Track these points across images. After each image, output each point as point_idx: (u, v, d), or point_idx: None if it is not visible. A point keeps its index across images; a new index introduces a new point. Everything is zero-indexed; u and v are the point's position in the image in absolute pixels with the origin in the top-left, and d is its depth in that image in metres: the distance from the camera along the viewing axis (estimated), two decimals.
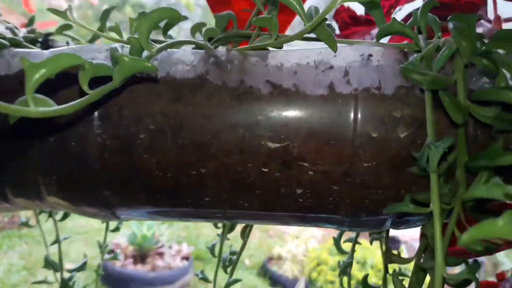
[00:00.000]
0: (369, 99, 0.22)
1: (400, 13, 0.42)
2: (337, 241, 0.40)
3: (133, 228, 2.42)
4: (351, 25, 0.40)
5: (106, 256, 0.47)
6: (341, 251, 0.37)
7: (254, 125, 0.23)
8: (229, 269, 0.35)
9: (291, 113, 0.23)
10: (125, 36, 0.29)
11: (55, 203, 0.26)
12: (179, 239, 2.76)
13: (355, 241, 0.38)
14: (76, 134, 0.23)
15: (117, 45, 0.20)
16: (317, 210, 0.25)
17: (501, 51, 0.21)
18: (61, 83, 0.22)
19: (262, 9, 0.28)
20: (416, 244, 0.27)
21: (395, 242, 2.45)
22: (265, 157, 0.23)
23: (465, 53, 0.20)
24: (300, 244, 2.60)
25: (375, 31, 0.41)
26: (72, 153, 0.23)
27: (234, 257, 0.35)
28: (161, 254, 2.43)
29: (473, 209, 0.22)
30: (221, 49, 0.25)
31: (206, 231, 2.99)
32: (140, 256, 2.39)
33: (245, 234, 0.35)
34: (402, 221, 0.25)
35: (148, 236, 2.40)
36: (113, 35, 0.29)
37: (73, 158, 0.23)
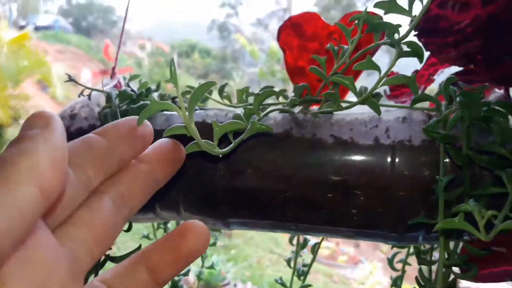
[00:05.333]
0: (402, 148, 0.33)
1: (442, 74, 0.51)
2: (390, 260, 0.49)
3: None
4: (399, 86, 0.50)
5: None
6: (393, 268, 0.46)
7: (322, 164, 0.34)
8: (301, 278, 0.45)
9: (348, 157, 0.33)
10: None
11: (188, 216, 0.38)
12: (243, 278, 2.85)
13: (405, 262, 0.47)
14: (207, 169, 0.36)
15: (239, 111, 0.32)
16: (368, 226, 0.35)
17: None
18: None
19: (328, 84, 0.39)
20: None
21: None
22: (330, 187, 0.34)
23: (466, 119, 0.30)
24: None
25: None
26: (204, 181, 0.36)
27: (306, 268, 0.45)
28: None
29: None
30: (299, 114, 0.36)
31: (269, 271, 3.05)
32: None
33: (314, 250, 0.45)
34: (429, 237, 0.34)
35: (215, 273, 2.52)
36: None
37: (204, 184, 0.36)
